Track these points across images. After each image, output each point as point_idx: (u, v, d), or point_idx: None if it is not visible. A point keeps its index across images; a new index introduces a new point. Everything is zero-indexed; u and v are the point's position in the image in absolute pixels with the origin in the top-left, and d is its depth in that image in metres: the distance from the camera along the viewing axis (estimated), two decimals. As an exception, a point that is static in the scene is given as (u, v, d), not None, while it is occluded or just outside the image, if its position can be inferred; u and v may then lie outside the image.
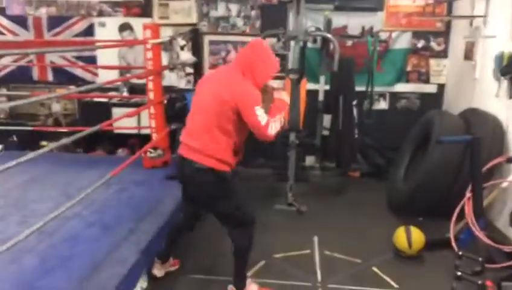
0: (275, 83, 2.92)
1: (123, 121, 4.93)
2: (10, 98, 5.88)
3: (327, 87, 5.02)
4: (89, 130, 3.01)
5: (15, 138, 5.56)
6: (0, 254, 2.04)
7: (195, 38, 4.88)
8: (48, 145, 5.56)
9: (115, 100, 5.62)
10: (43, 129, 5.61)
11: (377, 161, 5.38)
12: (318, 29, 4.90)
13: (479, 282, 2.85)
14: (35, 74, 5.99)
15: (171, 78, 5.65)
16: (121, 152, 5.63)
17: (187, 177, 2.71)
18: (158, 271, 3.07)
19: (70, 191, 3.64)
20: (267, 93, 2.80)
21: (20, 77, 5.98)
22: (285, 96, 2.88)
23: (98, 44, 5.55)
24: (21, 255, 2.69)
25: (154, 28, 4.32)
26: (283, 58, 5.34)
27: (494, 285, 2.80)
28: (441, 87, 5.54)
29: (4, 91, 5.98)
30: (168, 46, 4.45)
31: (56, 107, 5.98)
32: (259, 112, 2.56)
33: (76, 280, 2.48)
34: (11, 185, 3.85)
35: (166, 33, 5.12)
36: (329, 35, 4.57)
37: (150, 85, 4.38)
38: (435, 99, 5.51)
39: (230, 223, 2.75)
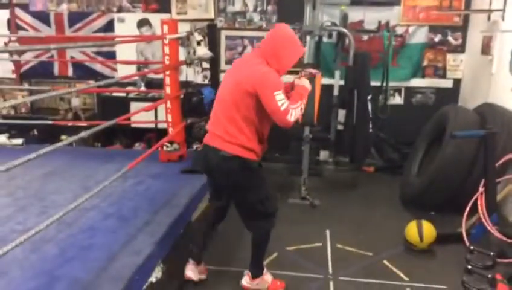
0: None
1: (140, 116, 5.03)
2: (31, 93, 6.05)
3: (342, 82, 5.03)
4: (106, 124, 3.09)
5: (35, 132, 5.70)
6: (21, 243, 2.13)
7: (212, 33, 4.94)
8: (67, 139, 5.77)
9: (132, 95, 5.73)
10: (62, 123, 5.74)
11: (391, 155, 5.39)
12: (334, 23, 4.91)
13: (489, 276, 2.86)
14: (56, 69, 6.15)
15: (189, 73, 5.74)
16: (138, 146, 5.74)
17: (212, 165, 2.67)
18: (193, 273, 2.98)
19: (88, 183, 3.73)
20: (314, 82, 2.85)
21: (41, 72, 6.16)
22: (306, 83, 2.79)
23: (116, 40, 5.65)
24: (41, 245, 2.79)
25: (171, 23, 4.38)
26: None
27: (504, 278, 2.80)
28: (457, 82, 5.52)
29: (26, 86, 6.14)
30: (185, 41, 4.50)
31: (75, 102, 6.12)
32: (279, 96, 2.49)
33: (94, 269, 2.56)
34: (31, 178, 3.98)
35: (183, 28, 5.19)
36: (344, 30, 4.60)
37: (167, 80, 4.45)
38: (451, 95, 5.49)
39: (250, 215, 2.76)
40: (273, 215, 2.79)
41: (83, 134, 2.91)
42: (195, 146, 5.45)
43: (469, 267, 3.03)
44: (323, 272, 3.14)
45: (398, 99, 5.64)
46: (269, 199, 2.75)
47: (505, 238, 3.26)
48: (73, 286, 2.38)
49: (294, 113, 2.56)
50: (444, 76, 5.53)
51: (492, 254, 3.11)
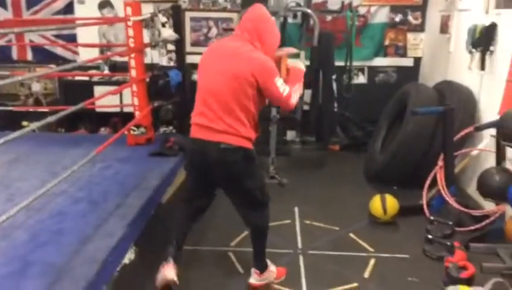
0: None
1: (105, 100, 4.98)
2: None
3: (307, 62, 5.10)
4: (71, 108, 3.06)
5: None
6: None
7: (176, 15, 4.89)
8: (29, 125, 5.64)
9: (96, 79, 5.64)
10: (23, 109, 5.61)
11: (356, 134, 5.53)
12: (298, 4, 4.96)
13: (448, 243, 3.04)
14: (15, 53, 5.96)
15: (153, 56, 5.67)
16: (103, 131, 5.68)
17: (211, 159, 2.53)
18: (174, 275, 2.70)
19: (54, 169, 3.68)
20: (280, 63, 2.72)
21: (-1, 57, 5.96)
22: (300, 65, 2.79)
23: (78, 22, 5.52)
24: (11, 231, 2.76)
25: (134, 5, 4.32)
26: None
27: (462, 245, 2.97)
28: (418, 60, 5.70)
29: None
30: (149, 23, 4.45)
31: (36, 87, 5.97)
32: (279, 82, 2.49)
33: (67, 253, 2.56)
34: (-4, 165, 3.90)
35: (147, 10, 5.11)
36: (309, 11, 4.66)
37: (132, 63, 4.41)
38: (411, 73, 5.66)
39: (249, 205, 2.71)
40: (268, 205, 2.77)
41: (49, 119, 2.88)
42: (162, 129, 5.45)
43: (429, 236, 3.22)
44: (293, 247, 3.25)
45: (361, 79, 5.79)
46: (265, 186, 2.76)
47: (462, 209, 3.45)
48: (47, 270, 2.38)
49: (295, 96, 2.58)
50: (404, 55, 5.70)
51: (450, 223, 3.30)
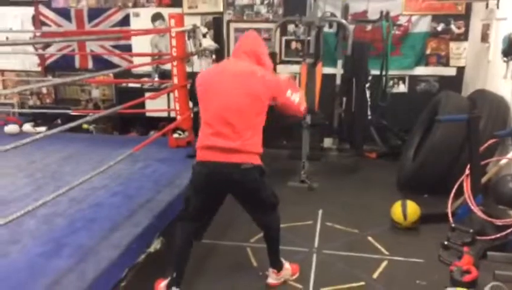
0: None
1: (154, 105, 5.38)
2: (55, 86, 6.48)
3: (341, 70, 5.21)
4: (106, 111, 3.41)
5: (59, 121, 6.09)
6: (29, 212, 2.45)
7: (217, 26, 5.20)
8: (89, 128, 6.16)
9: (147, 86, 6.06)
10: (83, 113, 6.12)
11: (393, 142, 5.54)
12: (333, 14, 5.10)
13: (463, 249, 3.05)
14: (77, 62, 6.54)
15: (202, 65, 6.02)
16: (152, 134, 6.07)
17: (234, 180, 2.60)
18: None
19: (101, 166, 4.06)
20: None
21: (64, 65, 6.55)
22: (283, 76, 3.09)
23: (128, 32, 5.97)
24: (53, 218, 3.14)
25: (178, 17, 4.66)
26: (303, 43, 5.60)
27: (471, 251, 2.98)
28: (461, 70, 5.61)
29: (50, 78, 6.56)
30: (192, 34, 4.78)
31: (95, 93, 6.52)
32: (289, 93, 2.74)
33: (96, 238, 2.88)
34: (50, 161, 4.36)
35: (194, 22, 5.47)
36: (343, 21, 4.79)
37: (175, 70, 4.75)
38: (454, 82, 5.58)
39: (266, 211, 2.82)
40: (277, 207, 2.88)
41: (80, 120, 3.23)
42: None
43: (445, 242, 3.24)
44: (309, 246, 3.39)
45: (402, 88, 5.79)
46: (274, 190, 2.88)
47: (485, 217, 3.41)
48: (76, 251, 2.70)
49: (302, 102, 2.85)
50: (447, 64, 5.63)
51: (471, 231, 3.30)
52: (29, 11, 6.39)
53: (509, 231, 3.21)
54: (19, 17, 6.46)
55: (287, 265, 3.02)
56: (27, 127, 5.72)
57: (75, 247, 2.76)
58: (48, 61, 6.60)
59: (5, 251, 2.68)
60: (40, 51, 6.48)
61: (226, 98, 2.60)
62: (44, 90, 6.65)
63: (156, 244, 3.26)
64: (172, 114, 5.58)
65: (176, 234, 2.86)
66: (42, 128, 5.63)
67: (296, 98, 2.77)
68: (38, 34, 6.33)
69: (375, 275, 2.99)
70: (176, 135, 4.98)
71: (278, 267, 2.95)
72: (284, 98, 2.73)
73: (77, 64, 6.55)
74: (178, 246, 2.84)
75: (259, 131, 2.67)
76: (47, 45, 6.44)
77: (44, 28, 6.36)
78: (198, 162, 2.70)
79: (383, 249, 3.33)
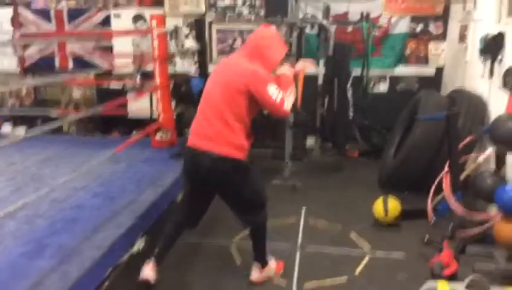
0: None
1: (136, 106, 5.36)
2: (35, 87, 6.40)
3: (323, 71, 5.25)
4: (84, 112, 3.38)
5: (39, 123, 6.02)
6: (16, 217, 2.43)
7: (199, 27, 5.21)
8: (69, 129, 6.10)
9: (129, 86, 6.03)
10: (64, 113, 6.06)
11: (375, 141, 5.61)
12: (314, 16, 5.15)
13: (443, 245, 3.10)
14: (57, 63, 6.46)
15: (184, 65, 6.01)
16: (135, 134, 6.03)
17: (204, 167, 2.63)
18: (152, 273, 2.76)
19: (81, 168, 4.03)
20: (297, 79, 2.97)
21: (43, 67, 6.45)
22: (286, 70, 2.86)
23: (109, 33, 5.93)
24: (34, 219, 3.12)
25: (159, 18, 4.67)
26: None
27: (450, 245, 3.03)
28: (440, 69, 5.70)
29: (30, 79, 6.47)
30: (174, 34, 4.78)
31: (76, 94, 6.45)
32: (272, 90, 2.59)
33: (79, 238, 2.87)
34: (30, 163, 4.32)
35: (176, 23, 5.46)
36: (323, 22, 4.83)
37: (157, 71, 4.74)
38: (433, 82, 5.66)
39: (247, 209, 2.82)
40: (265, 205, 2.88)
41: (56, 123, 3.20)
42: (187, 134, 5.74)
43: (426, 238, 3.29)
44: (292, 243, 3.41)
45: (382, 87, 5.85)
46: (263, 189, 2.91)
47: (464, 213, 3.48)
48: (58, 252, 2.68)
49: (289, 101, 2.68)
50: (426, 64, 5.72)
51: (451, 226, 3.35)
52: (8, 12, 6.29)
53: (487, 225, 3.29)
54: (-3, 18, 6.36)
55: (271, 263, 3.03)
56: (6, 128, 5.64)
57: (56, 247, 2.75)
58: (28, 63, 6.50)
59: (-15, 252, 2.65)
60: (20, 52, 6.38)
61: (208, 91, 2.72)
62: (23, 91, 6.54)
63: (139, 244, 3.25)
64: (155, 115, 5.57)
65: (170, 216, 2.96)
66: (21, 130, 5.58)
67: (279, 97, 2.60)
68: (17, 35, 6.24)
69: (357, 271, 3.03)
70: (158, 137, 4.97)
71: (262, 264, 2.96)
72: (261, 93, 2.59)
73: (57, 64, 6.46)
74: (167, 227, 2.90)
75: (239, 122, 2.63)
76: (26, 46, 6.35)
77: (23, 30, 6.26)
78: (186, 146, 2.76)
79: (365, 245, 3.37)
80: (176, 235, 2.91)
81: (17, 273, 2.46)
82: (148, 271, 2.74)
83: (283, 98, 2.63)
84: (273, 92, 2.60)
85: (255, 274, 2.96)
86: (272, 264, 3.04)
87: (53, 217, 3.17)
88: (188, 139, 2.76)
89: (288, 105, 2.68)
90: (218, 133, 2.60)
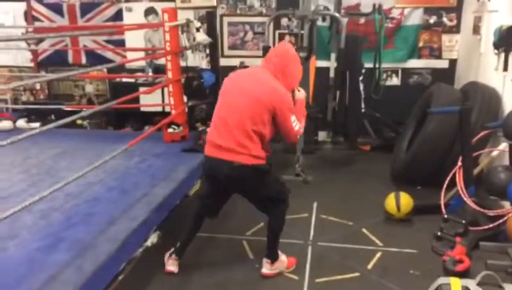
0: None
1: (148, 100, 5.38)
2: (49, 82, 6.47)
3: (335, 64, 5.23)
4: (99, 107, 3.41)
5: (53, 117, 6.08)
6: (32, 211, 2.46)
7: (210, 20, 5.20)
8: (83, 123, 6.16)
9: (141, 80, 6.06)
10: (77, 108, 6.12)
11: (387, 135, 5.58)
12: (326, 8, 5.12)
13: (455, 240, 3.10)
14: (70, 57, 6.52)
15: (195, 59, 6.01)
16: (147, 129, 6.07)
17: (223, 175, 2.76)
18: (174, 267, 3.10)
19: (96, 162, 4.07)
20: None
21: (57, 61, 6.52)
22: (302, 96, 3.05)
23: (122, 27, 5.95)
24: (49, 213, 3.15)
25: (171, 11, 4.65)
26: (296, 36, 5.62)
27: (463, 241, 3.03)
28: (453, 62, 5.65)
29: (44, 73, 6.54)
30: (185, 28, 4.78)
31: (89, 88, 6.51)
32: (293, 118, 2.76)
33: (94, 232, 2.90)
34: (45, 157, 4.36)
35: (187, 16, 5.45)
36: (336, 14, 4.81)
37: (169, 65, 4.75)
38: (446, 75, 5.62)
39: (268, 205, 2.95)
40: (286, 199, 3.01)
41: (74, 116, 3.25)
42: (200, 128, 5.76)
43: (438, 233, 3.29)
44: (304, 238, 3.43)
45: (395, 80, 5.82)
46: (282, 187, 3.02)
47: (478, 208, 3.47)
48: (74, 245, 2.72)
49: (301, 132, 2.88)
50: (439, 57, 5.67)
51: (463, 222, 3.35)
52: (21, 6, 6.34)
53: (501, 221, 3.27)
54: (11, 13, 6.41)
55: (283, 257, 3.07)
56: (21, 123, 5.71)
57: (72, 241, 2.78)
58: (41, 57, 6.56)
59: (3, 246, 2.70)
60: (33, 47, 6.44)
61: (232, 102, 2.79)
62: (37, 86, 6.61)
63: (153, 238, 3.28)
64: (167, 108, 5.59)
65: (188, 218, 3.18)
66: (36, 124, 5.63)
67: (297, 125, 2.78)
68: (30, 29, 6.30)
69: (369, 266, 3.05)
70: (170, 130, 4.99)
71: (273, 258, 3.02)
72: (284, 117, 2.72)
73: (70, 59, 6.52)
74: (187, 221, 3.15)
75: (260, 137, 2.72)
76: (40, 40, 6.41)
77: (37, 24, 6.32)
78: (204, 156, 2.91)
79: (377, 241, 3.38)
80: (196, 226, 3.15)
81: (34, 267, 2.50)
82: (171, 265, 3.06)
83: (299, 128, 2.83)
84: (294, 119, 2.77)
85: (267, 267, 3.02)
86: (284, 258, 3.07)
87: (68, 211, 3.20)
88: (204, 146, 2.91)
89: (300, 133, 2.88)
90: (239, 144, 2.69)
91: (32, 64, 6.56)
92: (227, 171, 2.72)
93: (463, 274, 2.68)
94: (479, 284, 2.39)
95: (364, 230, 3.55)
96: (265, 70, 2.85)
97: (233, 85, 2.87)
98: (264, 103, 2.68)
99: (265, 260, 3.03)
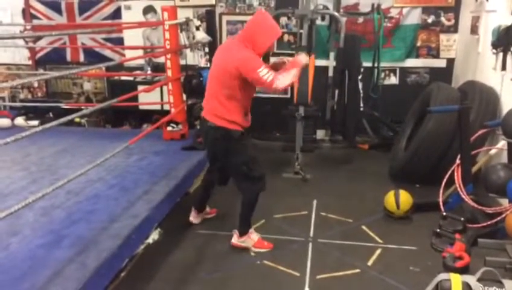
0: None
1: (147, 98, 5.38)
2: (47, 80, 6.45)
3: (334, 63, 5.26)
4: (100, 105, 3.44)
5: (51, 115, 6.07)
6: (33, 208, 2.46)
7: (210, 18, 5.21)
8: (81, 121, 6.15)
9: (139, 78, 6.06)
10: (75, 106, 6.11)
11: (385, 133, 5.62)
12: (325, 7, 5.14)
13: (455, 237, 3.13)
14: (68, 55, 6.51)
15: (195, 57, 6.02)
16: (145, 127, 6.07)
17: (204, 133, 3.22)
18: (194, 219, 3.64)
19: (96, 159, 4.08)
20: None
21: (55, 59, 6.51)
22: (301, 58, 3.15)
23: (120, 25, 5.95)
24: (51, 210, 3.16)
25: (171, 10, 4.67)
26: (295, 36, 5.65)
27: (463, 238, 3.05)
28: (451, 61, 5.68)
29: (42, 71, 6.52)
30: (185, 26, 4.78)
31: (87, 86, 6.51)
32: (262, 72, 2.87)
33: (96, 229, 2.91)
34: (45, 155, 4.36)
35: (186, 14, 5.46)
36: (335, 13, 4.82)
37: (168, 63, 4.76)
38: (444, 74, 5.66)
39: (239, 177, 3.18)
40: (259, 179, 3.16)
41: (84, 111, 3.25)
42: (198, 126, 5.77)
43: (437, 230, 3.31)
44: (305, 235, 3.45)
45: (393, 79, 5.85)
46: (253, 162, 3.15)
47: (476, 206, 3.50)
48: (76, 242, 2.73)
49: (282, 79, 2.93)
50: (437, 56, 5.71)
51: (462, 219, 3.38)
52: (19, 3, 6.32)
53: (499, 218, 3.30)
54: (9, 10, 6.39)
55: (253, 235, 3.28)
56: (19, 120, 5.70)
57: (74, 238, 2.79)
58: (39, 55, 6.55)
59: (5, 243, 2.71)
60: (31, 44, 6.43)
61: (210, 72, 3.16)
62: (35, 84, 6.60)
63: (154, 235, 3.30)
64: (165, 107, 5.59)
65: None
66: (34, 122, 5.62)
67: (270, 77, 2.87)
68: (28, 27, 6.28)
69: (369, 263, 3.06)
70: (169, 128, 5.00)
71: (241, 231, 3.26)
72: (251, 76, 2.90)
73: (68, 57, 6.51)
74: (200, 186, 3.76)
75: (231, 101, 3.01)
76: (38, 38, 6.39)
77: (35, 21, 6.30)
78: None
79: (376, 238, 3.40)
80: (208, 189, 3.61)
81: (36, 264, 2.51)
82: (193, 218, 3.63)
83: (274, 77, 2.89)
84: (264, 73, 2.87)
85: (234, 237, 3.28)
86: (254, 237, 3.27)
87: (70, 208, 3.21)
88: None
89: (281, 82, 2.92)
90: (214, 108, 3.06)
91: (30, 62, 6.55)
92: (206, 130, 3.13)
93: (463, 270, 2.70)
94: (479, 280, 2.41)
95: (364, 227, 3.57)
96: (235, 40, 3.10)
97: (214, 59, 3.21)
98: (229, 70, 2.93)
99: (234, 231, 3.29)
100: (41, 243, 2.72)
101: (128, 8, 6.18)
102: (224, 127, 3.03)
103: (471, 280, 2.43)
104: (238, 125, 3.07)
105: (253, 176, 3.14)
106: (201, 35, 4.81)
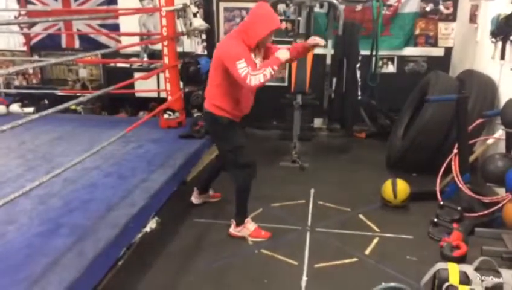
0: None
1: (143, 86, 5.34)
2: (42, 66, 6.38)
3: (332, 51, 5.22)
4: (97, 92, 3.41)
5: (46, 102, 6.02)
6: (30, 196, 2.44)
7: (207, 5, 5.16)
8: (77, 108, 6.11)
9: (136, 66, 6.00)
10: (71, 93, 6.06)
11: (383, 122, 5.61)
12: (324, -6, 5.10)
13: (451, 226, 3.14)
14: (64, 41, 6.43)
15: (191, 45, 5.97)
16: (142, 114, 6.04)
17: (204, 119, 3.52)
18: (195, 199, 3.78)
19: (92, 147, 4.04)
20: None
21: (50, 45, 6.44)
22: (280, 54, 3.04)
23: (116, 11, 5.88)
24: (48, 199, 3.14)
25: (168, -4, 4.61)
26: (293, 23, 5.60)
27: (460, 227, 3.07)
28: (449, 50, 5.67)
29: (36, 58, 6.45)
30: (181, 13, 4.73)
31: (83, 73, 6.44)
32: (241, 66, 2.88)
33: (93, 218, 2.89)
34: (40, 142, 4.33)
35: (183, 1, 5.39)
36: (334, 1, 4.78)
37: (165, 50, 4.71)
38: (442, 63, 5.64)
39: (228, 164, 3.30)
40: (247, 166, 3.20)
41: (81, 99, 3.22)
42: (195, 114, 5.74)
43: (434, 219, 3.33)
44: (302, 224, 3.45)
45: (391, 68, 5.83)
46: (240, 150, 3.19)
47: (473, 195, 3.51)
48: (74, 231, 2.71)
49: (254, 79, 2.88)
50: (435, 44, 5.69)
51: (459, 208, 3.40)
52: (14, -11, 6.23)
53: (495, 208, 3.31)
54: (3, -4, 6.30)
55: (249, 225, 3.29)
56: (14, 107, 5.65)
57: (72, 227, 2.77)
58: (34, 41, 6.47)
59: (2, 231, 2.68)
60: (26, 30, 6.35)
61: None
62: (30, 70, 6.53)
63: (151, 224, 3.29)
64: (162, 94, 5.56)
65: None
66: (30, 109, 5.58)
67: (244, 72, 2.85)
68: (23, 12, 6.19)
69: (367, 252, 3.08)
70: (166, 116, 4.96)
71: (237, 220, 3.29)
72: (230, 67, 2.93)
73: (63, 43, 6.44)
74: (206, 169, 4.12)
75: (221, 89, 3.10)
76: (32, 24, 6.31)
77: (30, 7, 6.21)
78: None
79: (374, 227, 3.41)
80: (212, 172, 3.78)
81: (34, 252, 2.50)
82: (194, 198, 3.77)
83: (247, 74, 2.87)
84: (241, 67, 2.88)
85: (232, 227, 3.31)
86: (250, 226, 3.28)
87: (67, 196, 3.19)
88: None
89: (252, 81, 2.88)
90: (207, 93, 3.23)
91: (24, 48, 6.47)
92: (203, 113, 3.34)
93: (460, 260, 2.72)
94: (476, 269, 2.43)
95: (361, 216, 3.58)
96: (234, 30, 3.18)
97: None
98: (216, 60, 3.06)
99: (232, 220, 3.31)
100: (38, 232, 2.70)
101: (124, -7, 6.10)
102: (212, 112, 3.16)
103: (469, 269, 2.45)
104: (227, 113, 3.14)
105: (240, 163, 3.18)
106: (199, 22, 4.76)
